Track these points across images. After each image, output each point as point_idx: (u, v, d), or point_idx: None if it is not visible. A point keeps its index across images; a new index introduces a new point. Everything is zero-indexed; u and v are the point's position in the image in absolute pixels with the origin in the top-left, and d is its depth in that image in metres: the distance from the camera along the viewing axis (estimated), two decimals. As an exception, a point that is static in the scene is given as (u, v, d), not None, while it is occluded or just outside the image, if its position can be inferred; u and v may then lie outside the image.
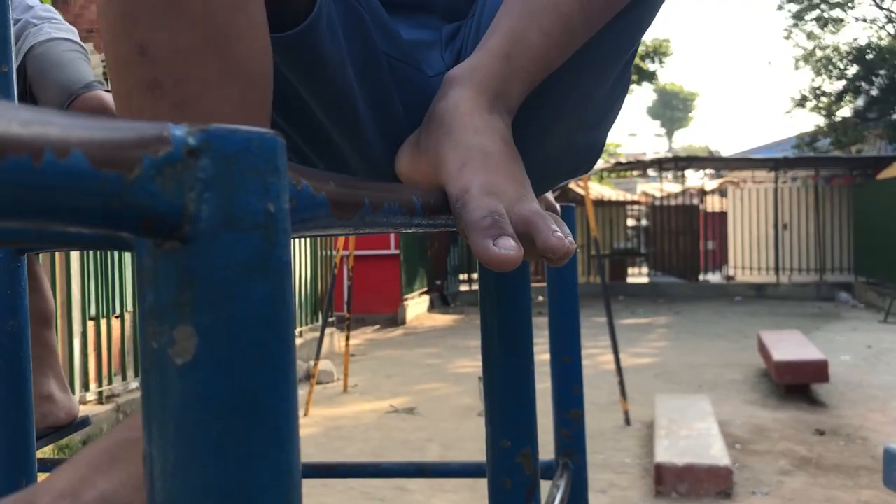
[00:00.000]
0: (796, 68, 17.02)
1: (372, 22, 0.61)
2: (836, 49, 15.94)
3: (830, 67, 15.78)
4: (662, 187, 15.22)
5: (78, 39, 1.73)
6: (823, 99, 15.97)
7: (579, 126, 0.70)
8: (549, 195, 1.01)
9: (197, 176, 0.21)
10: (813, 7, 16.33)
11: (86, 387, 4.45)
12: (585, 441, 1.11)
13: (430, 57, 0.66)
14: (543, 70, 0.59)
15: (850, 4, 16.01)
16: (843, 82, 15.63)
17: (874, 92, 15.01)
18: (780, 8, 16.91)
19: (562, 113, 0.66)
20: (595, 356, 6.54)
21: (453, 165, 0.52)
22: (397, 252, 9.56)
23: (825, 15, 16.29)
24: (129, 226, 0.20)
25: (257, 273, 0.22)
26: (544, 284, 1.16)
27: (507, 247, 0.46)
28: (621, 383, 4.65)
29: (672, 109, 54.22)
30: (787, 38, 17.07)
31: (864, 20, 16.04)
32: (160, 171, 0.20)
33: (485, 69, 0.56)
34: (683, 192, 14.89)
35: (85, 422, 1.56)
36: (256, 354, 0.22)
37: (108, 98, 1.59)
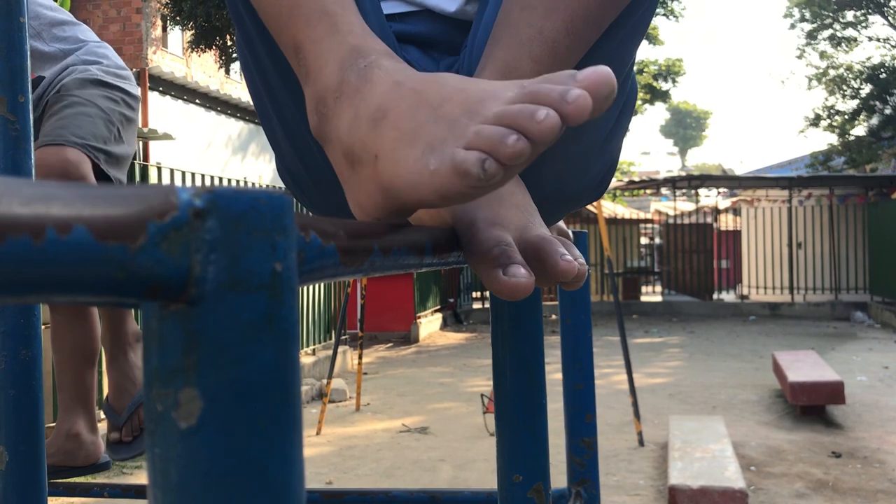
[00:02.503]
0: (809, 87, 16.98)
1: None
2: (849, 68, 15.90)
3: (844, 86, 15.74)
4: (676, 206, 15.17)
5: (123, 83, 1.72)
6: (837, 118, 15.92)
7: (582, 152, 0.70)
8: (561, 222, 1.00)
9: (203, 238, 0.21)
10: (825, 26, 16.32)
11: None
12: (598, 469, 1.10)
13: None
14: None
15: (863, 24, 15.99)
16: (857, 101, 15.58)
17: (888, 111, 14.95)
18: (792, 27, 16.90)
19: (562, 140, 0.66)
20: (608, 375, 6.50)
21: None
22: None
23: (838, 34, 16.27)
24: (134, 293, 0.20)
25: (263, 334, 0.22)
26: (556, 302, 1.15)
27: (518, 274, 0.45)
28: (635, 403, 4.61)
29: (685, 128, 54.17)
30: (800, 57, 17.04)
31: (878, 39, 16.01)
32: (166, 237, 0.20)
33: None
34: (697, 211, 14.83)
35: (105, 465, 1.56)
36: (262, 418, 0.22)
37: (74, 157, 1.53)
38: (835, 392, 5.05)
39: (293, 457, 0.22)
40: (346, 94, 0.50)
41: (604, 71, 0.42)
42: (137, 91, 1.78)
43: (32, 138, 0.86)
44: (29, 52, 1.63)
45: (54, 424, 1.64)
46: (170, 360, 0.22)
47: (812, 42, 16.64)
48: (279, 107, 0.70)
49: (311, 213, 0.79)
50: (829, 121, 16.01)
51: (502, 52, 0.58)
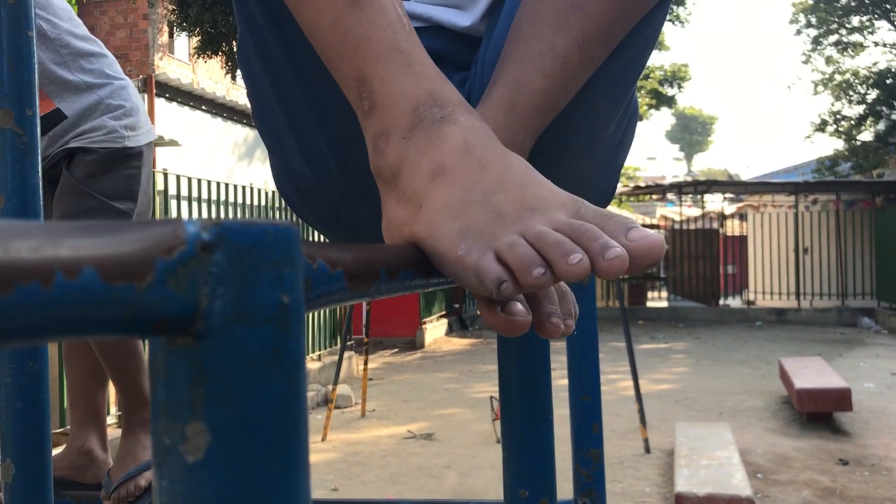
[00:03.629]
0: (815, 93, 16.94)
1: None
2: (855, 73, 15.86)
3: (850, 92, 15.71)
4: (682, 211, 15.15)
5: (139, 139, 1.75)
6: (844, 123, 15.88)
7: (592, 168, 0.70)
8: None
9: (210, 271, 0.21)
10: (831, 32, 16.29)
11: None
12: (605, 481, 1.10)
13: None
14: (548, 114, 0.59)
15: (868, 29, 15.96)
16: (864, 106, 15.54)
17: (895, 116, 14.91)
18: (798, 33, 16.87)
19: (569, 154, 0.66)
20: (614, 382, 6.48)
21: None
22: (415, 276, 9.55)
23: (844, 39, 16.25)
24: (141, 329, 0.20)
25: (271, 367, 0.22)
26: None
27: (516, 313, 0.45)
28: (641, 410, 4.60)
29: (691, 133, 54.11)
30: (806, 62, 17.02)
31: (884, 44, 15.97)
32: (173, 273, 0.20)
33: (490, 122, 0.56)
34: (703, 216, 14.80)
35: (107, 485, 1.57)
36: (269, 452, 0.22)
37: None
38: (842, 399, 5.02)
39: (300, 490, 0.22)
40: (415, 140, 0.50)
41: (656, 242, 0.43)
42: (151, 137, 1.80)
43: (39, 153, 0.86)
44: (53, 76, 1.65)
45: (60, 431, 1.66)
46: (177, 393, 0.22)
47: (818, 47, 16.61)
48: (292, 117, 0.69)
49: (307, 218, 0.79)
50: (835, 126, 15.97)
51: (514, 68, 0.58)
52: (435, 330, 10.27)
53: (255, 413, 0.22)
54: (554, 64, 0.58)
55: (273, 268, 0.22)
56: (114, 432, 4.45)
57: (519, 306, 0.45)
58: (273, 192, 8.18)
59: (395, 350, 9.26)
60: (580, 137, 0.66)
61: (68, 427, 4.11)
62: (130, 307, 0.18)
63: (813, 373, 5.58)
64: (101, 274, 0.17)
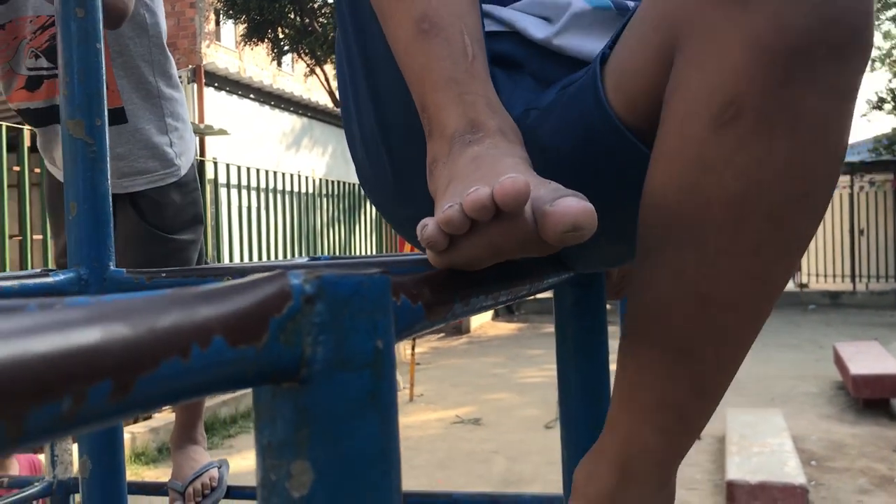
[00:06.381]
0: (872, 69, 16.43)
1: None
2: (914, 48, 15.36)
3: (909, 67, 15.21)
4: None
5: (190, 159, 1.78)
6: (902, 100, 15.39)
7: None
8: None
9: (313, 321, 0.23)
10: (890, 6, 15.76)
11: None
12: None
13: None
14: (675, 461, 0.58)
15: (929, 1, 15.42)
16: (923, 82, 15.05)
17: (956, 92, 14.41)
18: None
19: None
20: (663, 367, 6.43)
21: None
22: (461, 261, 9.57)
23: (903, 12, 15.71)
24: (258, 381, 0.21)
25: (368, 409, 0.24)
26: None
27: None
28: (691, 397, 4.56)
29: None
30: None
31: (946, 17, 15.42)
32: (284, 328, 0.22)
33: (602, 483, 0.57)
34: (753, 197, 14.52)
35: (176, 486, 1.64)
36: (368, 488, 0.24)
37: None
38: (899, 385, 4.92)
39: (396, 524, 0.24)
40: (448, 165, 0.53)
41: (571, 207, 0.43)
42: (195, 151, 1.83)
43: (108, 162, 0.90)
44: (134, 71, 1.66)
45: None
46: (282, 434, 0.23)
47: (876, 22, 16.09)
48: (361, 116, 0.73)
49: (372, 200, 0.82)
50: (893, 103, 15.49)
51: (624, 418, 0.57)
52: (481, 315, 10.29)
53: (355, 452, 0.23)
54: (667, 418, 0.55)
55: (368, 315, 0.24)
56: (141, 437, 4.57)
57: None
58: (320, 180, 8.26)
59: (442, 335, 9.31)
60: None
61: (138, 422, 4.24)
62: (251, 365, 0.20)
63: (869, 358, 5.46)
64: (227, 340, 0.19)
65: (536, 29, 0.69)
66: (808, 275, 13.64)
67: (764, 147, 0.46)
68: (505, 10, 0.71)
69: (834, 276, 13.17)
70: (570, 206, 0.42)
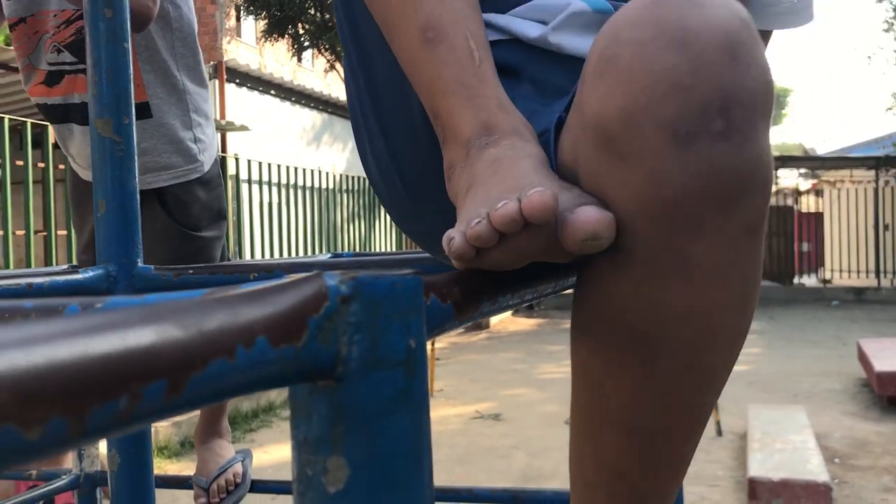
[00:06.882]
0: (897, 62, 16.22)
1: None
2: (941, 40, 15.13)
3: (936, 60, 14.98)
4: (754, 187, 14.72)
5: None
6: (928, 93, 15.16)
7: None
8: None
9: (349, 321, 0.23)
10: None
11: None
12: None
13: None
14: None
15: (956, -7, 15.17)
16: (950, 75, 14.82)
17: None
18: (879, 0, 16.16)
19: None
20: (684, 363, 6.40)
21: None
22: (481, 256, 9.57)
23: (929, 5, 15.48)
24: (296, 380, 0.22)
25: (400, 407, 0.24)
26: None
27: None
28: (712, 393, 4.53)
29: (763, 105, 52.34)
30: (888, 30, 16.28)
31: (973, 9, 15.17)
32: (321, 328, 0.22)
33: None
34: (777, 193, 14.39)
35: (200, 482, 1.65)
36: (401, 483, 0.24)
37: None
38: (925, 382, 4.86)
39: (429, 518, 0.25)
40: (467, 168, 0.54)
41: (589, 219, 0.43)
42: (217, 147, 1.84)
43: (136, 160, 0.91)
44: (159, 65, 1.67)
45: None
46: (318, 430, 0.24)
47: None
48: (372, 139, 0.74)
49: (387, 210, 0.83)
50: (918, 97, 15.26)
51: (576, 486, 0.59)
52: (501, 310, 10.28)
53: (388, 448, 0.24)
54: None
55: (402, 316, 0.24)
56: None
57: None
58: (340, 176, 8.29)
59: (461, 330, 9.32)
60: None
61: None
62: (291, 364, 0.21)
63: (893, 354, 5.40)
64: (270, 341, 0.20)
65: (532, 30, 0.69)
66: (832, 270, 13.50)
67: (659, 292, 0.46)
68: (501, 17, 0.71)
69: (858, 271, 13.03)
70: (590, 216, 0.42)
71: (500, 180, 0.49)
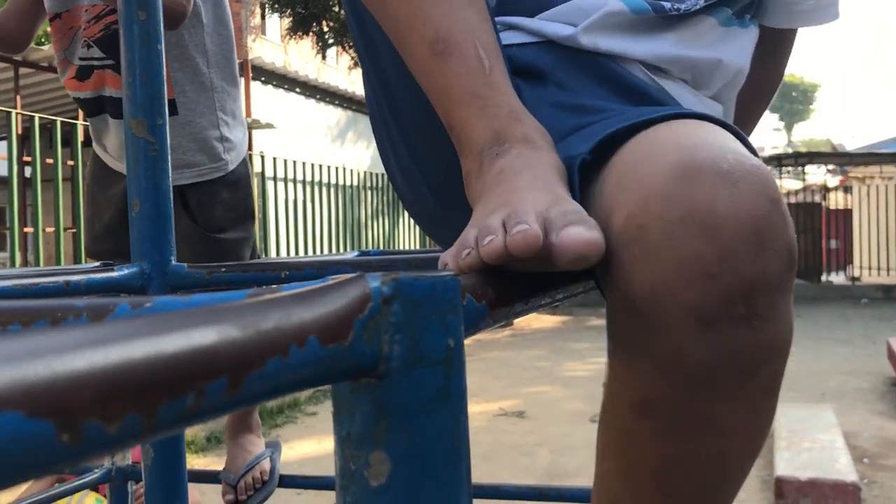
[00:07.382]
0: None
1: None
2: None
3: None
4: (781, 184, 14.61)
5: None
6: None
7: None
8: None
9: (390, 321, 0.24)
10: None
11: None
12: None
13: None
14: None
15: None
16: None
17: None
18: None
19: None
20: (709, 361, 6.35)
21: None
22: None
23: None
24: (342, 377, 0.23)
25: (440, 404, 0.25)
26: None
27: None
28: (738, 392, 4.50)
29: (791, 102, 51.86)
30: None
31: None
32: (366, 327, 0.23)
33: None
34: (804, 189, 14.23)
35: (228, 478, 1.67)
36: (440, 479, 0.25)
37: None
38: (956, 382, 4.79)
39: (467, 511, 0.25)
40: (481, 178, 0.55)
41: (578, 241, 0.43)
42: (246, 148, 1.83)
43: (169, 160, 0.93)
44: (188, 61, 1.67)
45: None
46: (361, 426, 0.25)
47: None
48: (396, 150, 0.75)
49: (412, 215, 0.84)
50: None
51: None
52: (525, 307, 10.26)
53: (430, 445, 0.25)
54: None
55: (441, 315, 0.25)
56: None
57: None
58: (364, 173, 8.33)
59: (486, 327, 9.31)
60: None
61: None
62: (338, 362, 0.22)
63: (924, 353, 5.33)
64: (320, 340, 0.20)
65: (564, 30, 0.69)
66: (861, 268, 13.33)
67: (680, 443, 0.49)
68: (534, 20, 0.71)
69: (888, 269, 12.85)
70: (575, 239, 0.43)
71: (499, 194, 0.51)
